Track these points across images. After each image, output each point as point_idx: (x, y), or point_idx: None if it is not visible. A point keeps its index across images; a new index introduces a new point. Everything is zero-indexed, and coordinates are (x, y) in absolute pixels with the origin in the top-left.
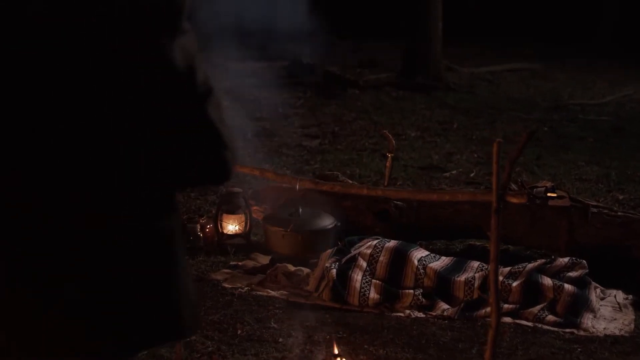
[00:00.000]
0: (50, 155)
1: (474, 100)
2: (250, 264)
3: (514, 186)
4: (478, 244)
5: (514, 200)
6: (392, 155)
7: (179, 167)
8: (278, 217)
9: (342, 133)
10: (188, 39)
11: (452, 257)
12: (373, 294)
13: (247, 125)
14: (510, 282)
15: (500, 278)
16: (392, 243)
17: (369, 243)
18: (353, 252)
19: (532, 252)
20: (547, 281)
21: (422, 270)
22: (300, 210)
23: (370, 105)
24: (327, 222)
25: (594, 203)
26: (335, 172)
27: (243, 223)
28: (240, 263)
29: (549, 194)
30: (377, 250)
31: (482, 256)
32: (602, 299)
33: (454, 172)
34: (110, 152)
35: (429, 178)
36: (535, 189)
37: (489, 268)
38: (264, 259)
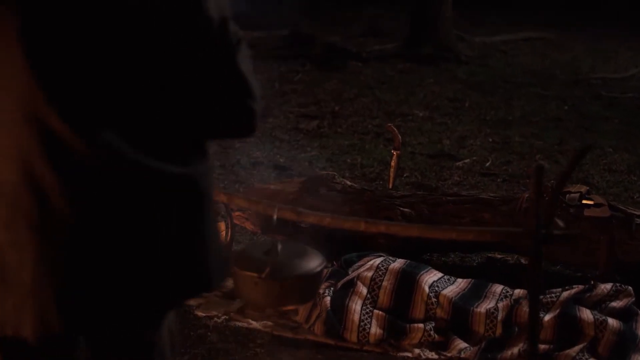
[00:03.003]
0: (87, 96)
1: (487, 73)
2: (230, 284)
3: (560, 223)
4: (499, 256)
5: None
6: (398, 153)
7: (208, 115)
8: (250, 256)
9: (342, 113)
10: None
11: (469, 280)
12: (375, 329)
13: None
14: (541, 315)
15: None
16: (397, 263)
17: (370, 263)
18: (351, 274)
19: (561, 268)
20: (587, 315)
21: (434, 299)
22: (280, 246)
23: (373, 80)
24: (314, 263)
25: (639, 212)
26: (331, 173)
27: (223, 232)
28: None
29: (584, 202)
30: (380, 272)
31: (504, 274)
32: None
33: (467, 160)
34: (142, 97)
35: (439, 168)
36: (568, 195)
37: (514, 295)
38: None
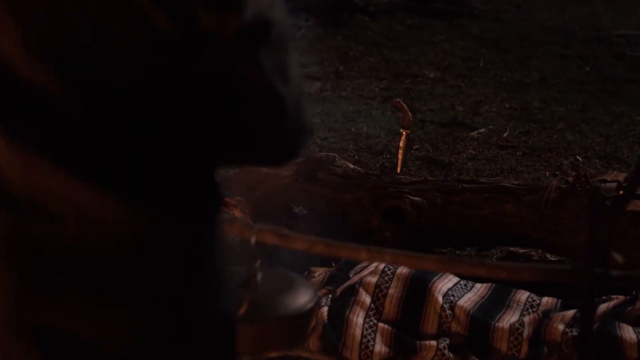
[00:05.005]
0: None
1: (502, 30)
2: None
3: (618, 257)
4: (521, 251)
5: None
6: (408, 132)
7: (212, 138)
8: None
9: (347, 74)
10: None
11: (489, 285)
12: (380, 346)
13: None
14: (574, 333)
15: (561, 327)
16: (406, 267)
17: (375, 265)
18: (352, 278)
19: None
20: (629, 333)
21: (448, 311)
22: (260, 276)
23: (381, 36)
24: (303, 298)
25: None
26: (331, 154)
27: None
28: None
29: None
30: (386, 277)
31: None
32: None
33: (482, 130)
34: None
35: (452, 139)
36: (603, 185)
37: (542, 305)
38: None
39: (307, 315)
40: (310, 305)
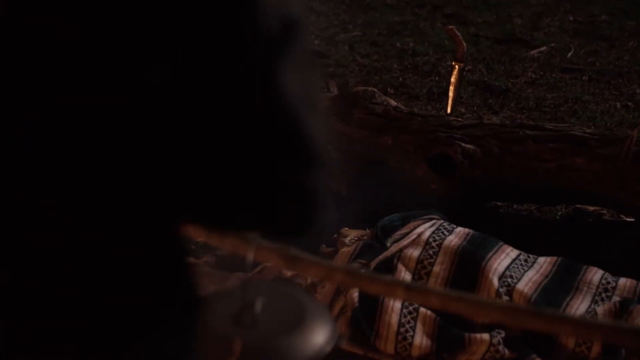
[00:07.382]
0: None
1: None
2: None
3: None
4: (591, 209)
5: None
6: (461, 65)
7: (211, 193)
8: (210, 327)
9: None
10: None
11: (554, 259)
12: (420, 338)
13: None
14: None
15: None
16: (455, 237)
17: (418, 232)
18: (390, 248)
19: None
20: None
21: (505, 297)
22: (260, 305)
23: None
24: (318, 337)
25: None
26: (371, 89)
27: None
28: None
29: None
30: (431, 251)
31: (598, 235)
32: None
33: (543, 48)
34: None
35: (509, 60)
36: None
37: (618, 289)
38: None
39: None
40: (330, 347)
